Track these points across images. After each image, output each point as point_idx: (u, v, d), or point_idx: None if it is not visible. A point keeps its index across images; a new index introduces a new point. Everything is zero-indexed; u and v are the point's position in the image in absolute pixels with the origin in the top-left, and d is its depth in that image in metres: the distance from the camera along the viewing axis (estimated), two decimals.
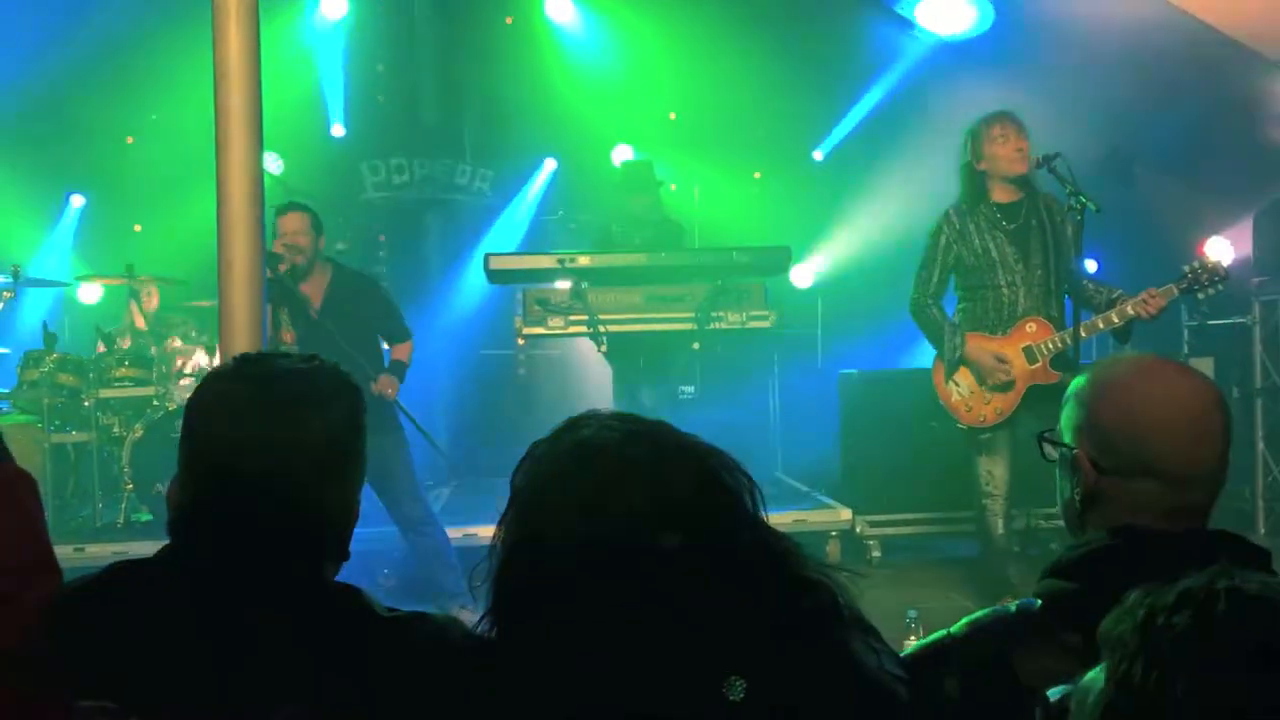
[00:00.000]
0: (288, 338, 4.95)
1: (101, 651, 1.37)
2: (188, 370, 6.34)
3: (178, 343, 6.42)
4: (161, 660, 1.36)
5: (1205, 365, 6.51)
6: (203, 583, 1.43)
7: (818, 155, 8.64)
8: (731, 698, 1.09)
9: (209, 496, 1.48)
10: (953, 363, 4.48)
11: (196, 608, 1.40)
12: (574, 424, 1.25)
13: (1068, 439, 1.58)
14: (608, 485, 1.16)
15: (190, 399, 1.59)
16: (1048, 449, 1.63)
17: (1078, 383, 1.60)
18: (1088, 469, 1.52)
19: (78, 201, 8.14)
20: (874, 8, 7.52)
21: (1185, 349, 6.68)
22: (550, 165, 8.62)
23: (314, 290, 5.03)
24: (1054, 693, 1.19)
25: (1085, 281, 4.44)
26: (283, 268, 4.85)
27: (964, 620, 1.49)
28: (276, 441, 1.47)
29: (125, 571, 1.48)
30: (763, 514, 1.23)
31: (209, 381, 1.60)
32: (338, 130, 8.32)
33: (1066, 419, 1.59)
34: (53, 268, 7.30)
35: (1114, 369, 1.60)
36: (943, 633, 1.49)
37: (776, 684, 1.11)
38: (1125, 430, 1.50)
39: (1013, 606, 1.46)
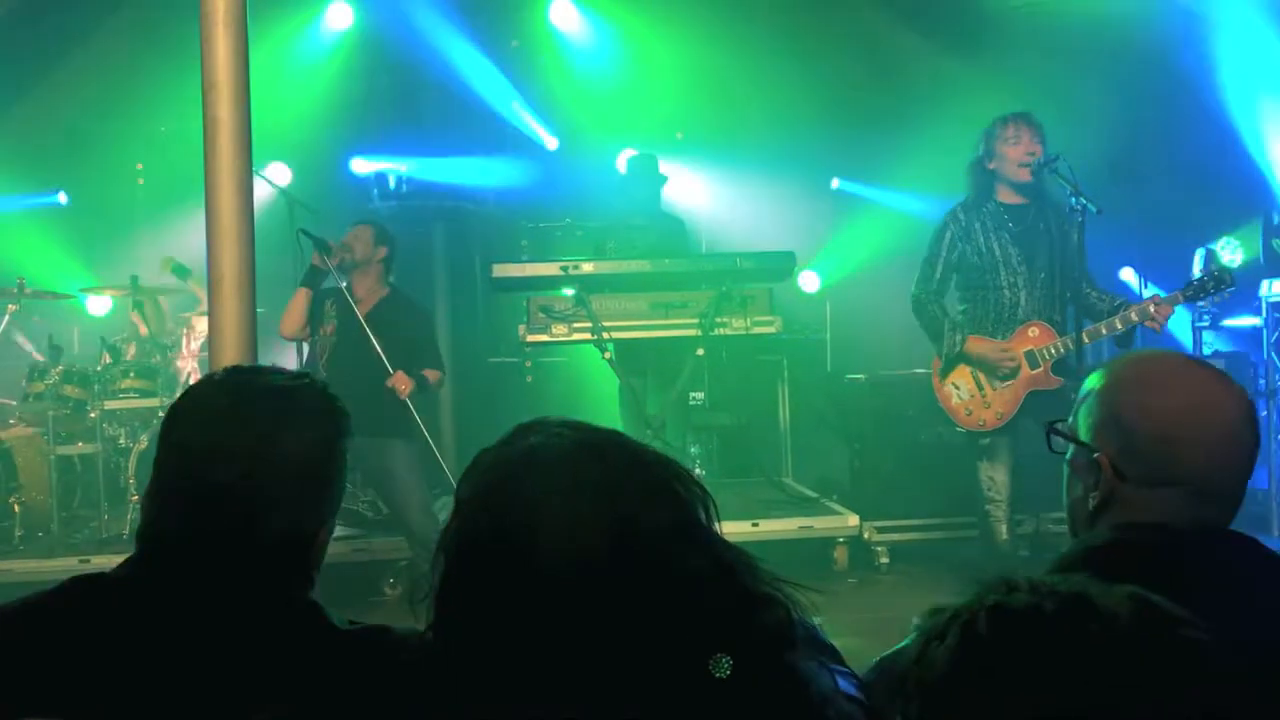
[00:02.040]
0: (327, 329, 5.21)
1: (50, 666, 1.36)
2: (193, 381, 6.36)
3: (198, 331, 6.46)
4: (114, 674, 1.34)
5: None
6: (162, 595, 1.42)
7: (834, 183, 8.56)
8: (718, 675, 1.05)
9: (178, 505, 1.47)
10: (951, 358, 4.44)
11: (152, 621, 1.40)
12: (522, 431, 1.22)
13: (1086, 438, 1.49)
14: (554, 494, 1.13)
15: (174, 402, 1.58)
16: (1058, 442, 1.54)
17: (1098, 379, 1.51)
18: (1110, 474, 1.44)
19: (61, 199, 8.19)
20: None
21: (1194, 350, 6.61)
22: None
23: (366, 296, 5.25)
24: None
25: (1088, 288, 4.40)
26: (333, 261, 5.10)
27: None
28: (247, 455, 1.46)
29: (83, 585, 1.47)
30: (716, 526, 1.20)
31: (194, 388, 1.60)
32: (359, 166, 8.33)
33: (1085, 416, 1.50)
34: (57, 278, 7.32)
35: (1142, 368, 1.50)
36: (908, 640, 1.45)
37: (725, 703, 1.08)
38: (1157, 439, 1.41)
39: None
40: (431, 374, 5.23)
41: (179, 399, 1.58)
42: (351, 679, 1.36)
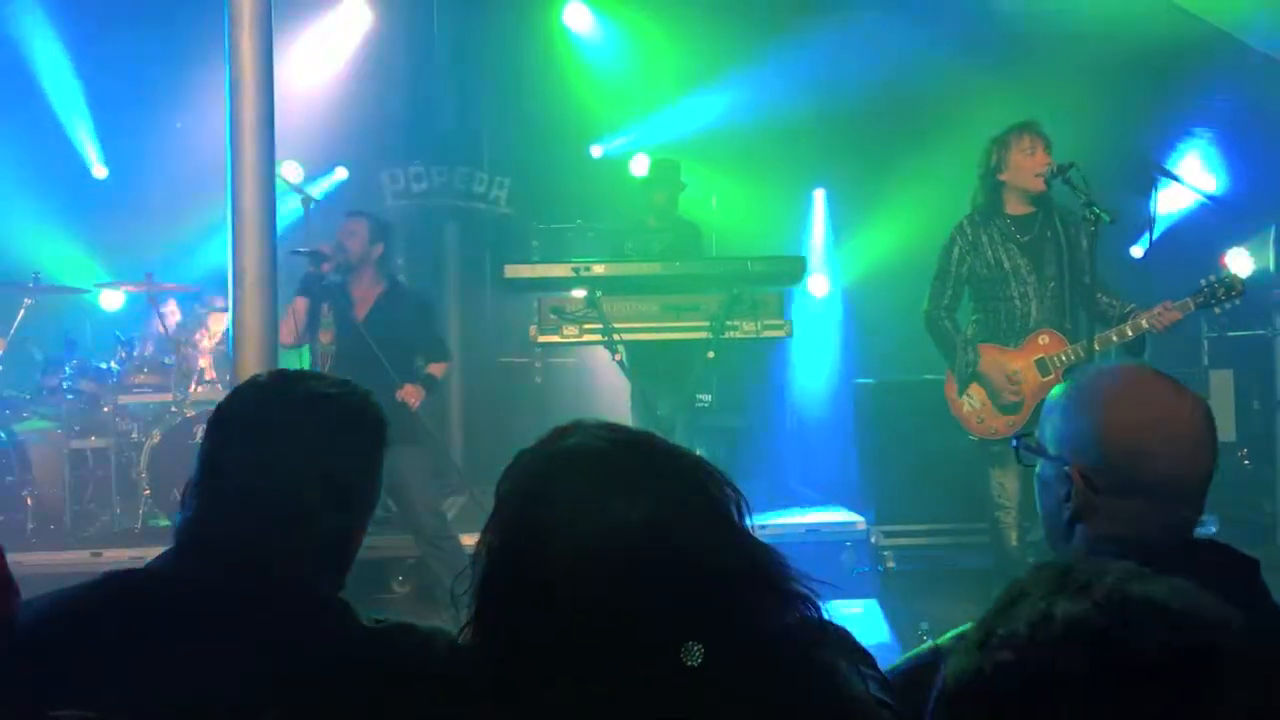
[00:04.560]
0: (324, 338, 5.11)
1: (89, 659, 1.38)
2: (206, 378, 6.39)
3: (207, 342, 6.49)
4: (147, 668, 1.36)
5: (1225, 377, 6.47)
6: (198, 591, 1.45)
7: (818, 195, 8.56)
8: (689, 663, 1.08)
9: (219, 505, 1.50)
10: (965, 378, 4.46)
11: (189, 616, 1.42)
12: (561, 432, 1.25)
13: (1054, 451, 1.55)
14: (593, 493, 1.16)
15: (220, 403, 1.61)
16: (1026, 456, 1.60)
17: (1061, 392, 1.58)
18: (1081, 487, 1.50)
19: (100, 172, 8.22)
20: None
21: (1205, 361, 6.63)
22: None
23: (364, 295, 5.19)
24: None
25: (1098, 294, 4.41)
26: (326, 267, 5.02)
27: (950, 634, 1.48)
28: (292, 466, 1.50)
29: (119, 579, 1.49)
30: (749, 526, 1.22)
31: (242, 390, 1.63)
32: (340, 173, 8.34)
33: (1054, 430, 1.56)
34: (73, 272, 7.35)
35: (1107, 383, 1.56)
36: (929, 646, 1.48)
37: (756, 698, 1.11)
38: (1126, 452, 1.48)
39: None
40: (438, 368, 5.28)
41: (224, 401, 1.61)
42: (381, 675, 1.39)
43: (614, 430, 1.24)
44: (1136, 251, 7.16)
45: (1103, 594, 0.86)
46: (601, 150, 8.57)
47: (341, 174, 8.20)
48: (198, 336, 6.51)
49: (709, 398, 7.17)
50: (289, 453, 1.50)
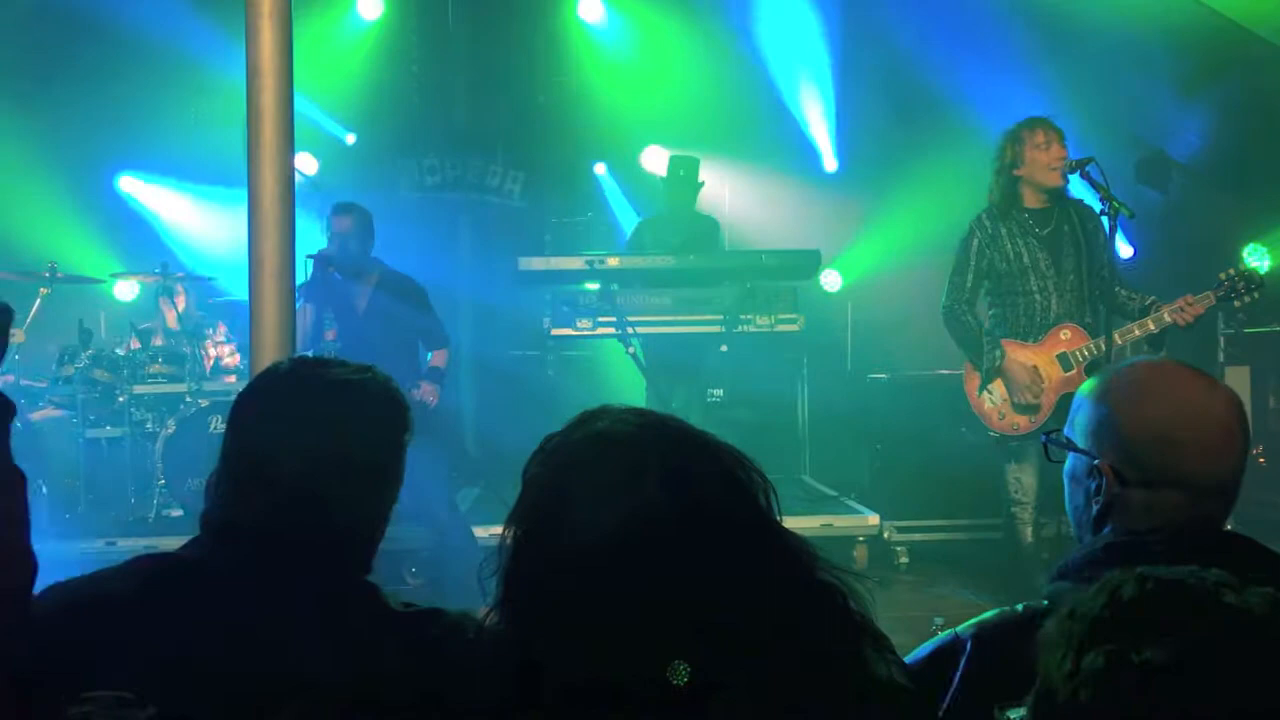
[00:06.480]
0: (329, 335, 5.08)
1: (119, 642, 1.38)
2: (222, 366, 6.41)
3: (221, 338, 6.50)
4: (181, 651, 1.37)
5: (1242, 374, 6.44)
6: (227, 577, 1.45)
7: (831, 165, 8.53)
8: (674, 682, 1.08)
9: (244, 493, 1.50)
10: (989, 373, 4.43)
11: (219, 601, 1.42)
12: (589, 417, 1.24)
13: (1083, 444, 1.54)
14: (623, 477, 1.15)
15: (242, 393, 1.61)
16: (1055, 451, 1.60)
17: (1092, 386, 1.57)
18: (1111, 480, 1.49)
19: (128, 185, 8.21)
20: None
21: (1221, 357, 6.58)
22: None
23: (362, 288, 5.18)
24: (1014, 713, 1.20)
25: (1118, 288, 4.39)
26: (332, 269, 5.03)
27: (971, 621, 1.48)
28: (317, 452, 1.50)
29: (148, 564, 1.49)
30: (777, 513, 1.22)
31: (263, 379, 1.63)
32: (349, 139, 8.33)
33: (1083, 424, 1.55)
34: (89, 262, 7.36)
35: (1135, 376, 1.56)
36: (949, 634, 1.48)
37: (782, 685, 1.10)
38: (1156, 444, 1.47)
39: (1020, 607, 1.46)
40: (440, 357, 5.29)
41: (245, 390, 1.61)
42: (412, 657, 1.39)
43: (642, 415, 1.23)
44: (1125, 251, 7.14)
45: (1180, 640, 0.87)
46: (604, 168, 8.57)
47: (350, 139, 8.19)
48: (212, 330, 6.52)
49: (721, 392, 7.17)
50: (313, 439, 1.50)
